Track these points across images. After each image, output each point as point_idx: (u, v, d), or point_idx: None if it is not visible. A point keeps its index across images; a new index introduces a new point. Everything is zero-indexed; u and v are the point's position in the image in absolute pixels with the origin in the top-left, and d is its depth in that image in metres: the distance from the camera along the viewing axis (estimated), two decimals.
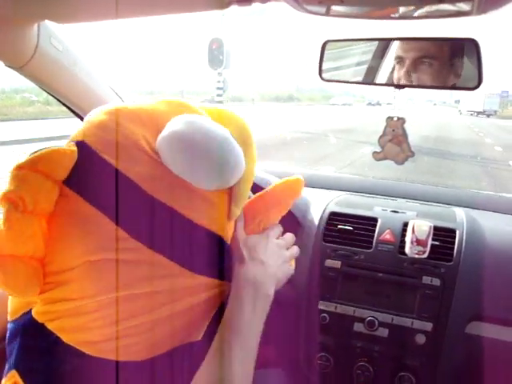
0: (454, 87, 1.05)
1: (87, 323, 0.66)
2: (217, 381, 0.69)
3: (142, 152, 0.68)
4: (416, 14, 0.86)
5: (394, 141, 1.09)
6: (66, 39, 1.18)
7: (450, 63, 1.07)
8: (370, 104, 48.66)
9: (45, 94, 1.32)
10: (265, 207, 0.85)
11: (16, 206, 0.61)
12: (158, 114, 0.74)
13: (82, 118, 1.33)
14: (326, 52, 1.09)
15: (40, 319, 0.68)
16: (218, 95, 13.93)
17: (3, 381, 0.71)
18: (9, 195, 0.61)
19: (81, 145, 0.68)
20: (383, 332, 1.16)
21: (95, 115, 0.74)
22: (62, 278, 0.66)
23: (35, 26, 1.04)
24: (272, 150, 9.50)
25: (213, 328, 0.75)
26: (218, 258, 0.76)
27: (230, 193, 0.76)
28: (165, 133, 0.69)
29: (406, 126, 1.10)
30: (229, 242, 0.78)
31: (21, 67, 1.09)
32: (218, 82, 13.46)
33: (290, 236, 0.90)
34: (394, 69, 1.12)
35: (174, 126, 0.69)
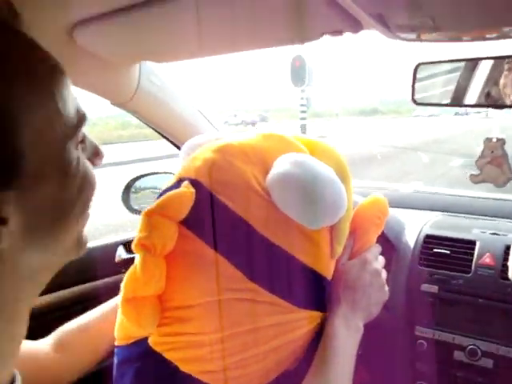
0: None
1: (206, 355, 0.69)
2: None
3: (254, 192, 0.70)
4: None
5: (494, 163, 1.04)
6: (162, 75, 1.26)
7: None
8: (457, 114, 46.46)
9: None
10: (363, 231, 0.86)
11: (149, 251, 0.65)
12: (263, 151, 0.76)
13: (177, 146, 1.40)
14: (418, 74, 1.07)
15: (157, 349, 0.72)
16: (302, 112, 14.01)
17: None
18: (143, 241, 0.65)
19: (195, 184, 0.70)
20: (487, 362, 1.10)
21: (203, 152, 0.77)
22: (181, 314, 0.69)
23: (137, 66, 1.12)
24: (359, 166, 9.39)
25: (306, 356, 0.77)
26: (322, 294, 0.78)
27: (331, 230, 0.78)
28: (274, 173, 0.71)
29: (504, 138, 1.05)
30: (330, 278, 0.80)
31: (124, 104, 1.17)
32: (302, 98, 13.53)
33: (382, 259, 0.90)
34: (484, 87, 1.07)
35: (282, 165, 0.71)
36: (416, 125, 31.35)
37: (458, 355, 1.14)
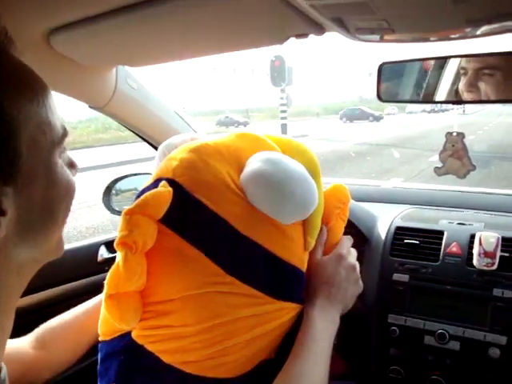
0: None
1: (186, 346, 0.72)
2: None
3: (229, 190, 0.73)
4: (479, 32, 0.85)
5: (455, 155, 1.09)
6: (139, 78, 1.29)
7: None
8: (432, 111, 46.16)
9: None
10: (325, 219, 0.88)
11: (130, 249, 0.67)
12: (237, 151, 0.79)
13: (154, 147, 1.43)
14: (382, 73, 1.12)
15: (140, 341, 0.75)
16: (282, 111, 14.05)
17: None
18: (124, 240, 0.68)
19: (173, 183, 0.73)
20: (455, 345, 1.15)
21: (179, 152, 0.79)
22: (162, 308, 0.72)
23: (114, 69, 1.15)
24: (337, 165, 9.46)
25: (283, 346, 0.80)
26: (297, 286, 0.81)
27: (304, 224, 0.81)
28: (248, 171, 0.74)
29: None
30: (305, 270, 0.83)
31: (102, 107, 1.20)
32: (282, 98, 13.57)
33: (354, 252, 0.94)
34: (453, 84, 1.11)
35: (255, 164, 0.74)
36: (398, 122, 31.48)
37: (429, 340, 1.19)
